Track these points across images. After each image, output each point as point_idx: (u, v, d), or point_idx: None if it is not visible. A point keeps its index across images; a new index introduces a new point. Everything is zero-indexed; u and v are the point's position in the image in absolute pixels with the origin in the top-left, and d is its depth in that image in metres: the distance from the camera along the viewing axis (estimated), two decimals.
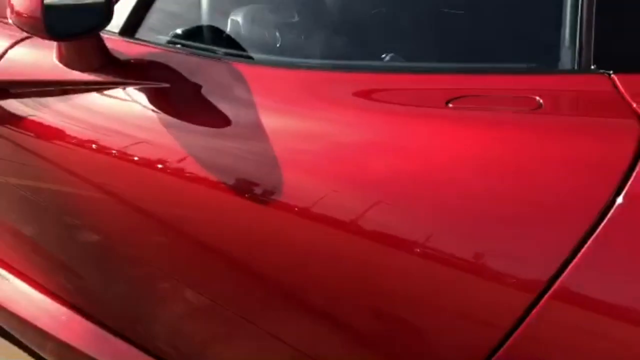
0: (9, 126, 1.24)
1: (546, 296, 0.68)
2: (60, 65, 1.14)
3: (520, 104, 0.79)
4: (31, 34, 1.02)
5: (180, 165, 0.98)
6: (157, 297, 1.17)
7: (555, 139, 0.74)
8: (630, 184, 0.66)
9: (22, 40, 1.27)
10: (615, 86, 0.75)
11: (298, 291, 0.90)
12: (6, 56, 1.27)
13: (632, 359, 0.66)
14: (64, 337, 1.27)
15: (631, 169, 0.66)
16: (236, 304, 1.00)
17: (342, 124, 0.87)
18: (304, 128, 0.91)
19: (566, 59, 0.81)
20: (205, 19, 1.23)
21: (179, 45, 1.17)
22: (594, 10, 0.79)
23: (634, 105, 0.72)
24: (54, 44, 1.14)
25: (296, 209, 0.84)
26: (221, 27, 1.20)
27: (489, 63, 0.91)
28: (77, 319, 1.28)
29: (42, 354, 1.39)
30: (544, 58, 0.87)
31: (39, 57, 1.22)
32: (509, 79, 0.85)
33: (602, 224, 0.66)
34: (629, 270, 0.67)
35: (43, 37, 1.00)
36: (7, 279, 1.41)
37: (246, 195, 0.90)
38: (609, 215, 0.66)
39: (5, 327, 1.46)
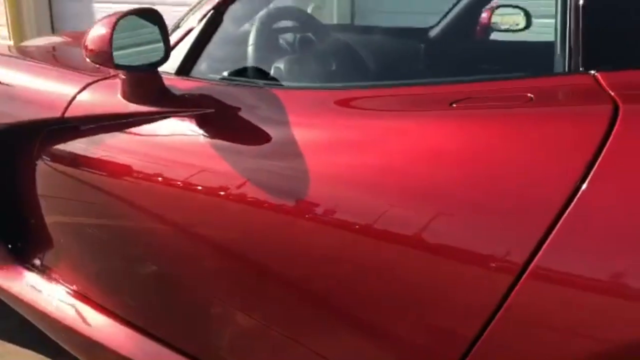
0: (78, 166, 1.42)
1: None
2: (124, 100, 1.33)
3: (515, 101, 0.92)
4: (101, 64, 1.21)
5: (237, 189, 1.11)
6: (212, 312, 1.29)
7: (538, 124, 0.86)
8: (603, 156, 0.77)
9: (88, 85, 1.47)
10: (597, 81, 0.88)
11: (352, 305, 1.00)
12: (77, 98, 1.46)
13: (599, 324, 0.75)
14: (124, 351, 1.39)
15: (603, 142, 0.78)
16: (284, 322, 1.11)
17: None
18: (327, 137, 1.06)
19: (559, 64, 0.95)
20: (243, 59, 1.42)
21: (224, 80, 1.35)
22: (580, 25, 0.93)
23: (612, 93, 0.84)
24: (117, 86, 1.33)
25: (355, 225, 0.95)
26: (258, 64, 1.38)
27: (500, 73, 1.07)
28: (135, 334, 1.40)
29: None
30: (541, 65, 1.01)
31: (104, 97, 1.42)
32: (514, 82, 1.00)
33: (579, 194, 0.77)
34: (600, 244, 0.76)
35: (109, 67, 1.19)
36: (72, 303, 1.56)
37: (305, 215, 1.01)
38: (583, 187, 0.77)
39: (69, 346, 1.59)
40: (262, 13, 1.44)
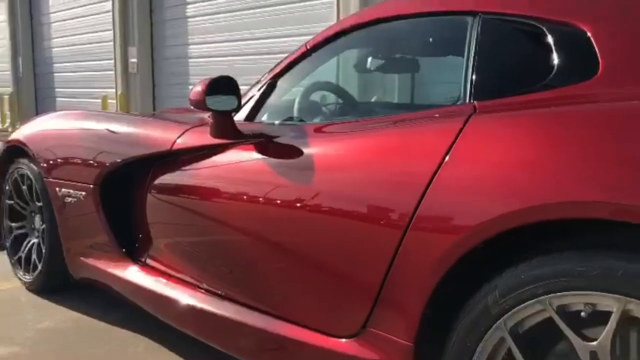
0: (178, 185, 2.11)
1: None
2: (211, 137, 2.01)
3: (420, 120, 1.53)
4: (197, 108, 1.90)
5: (275, 191, 1.74)
6: (254, 274, 1.88)
7: (423, 131, 1.45)
8: (451, 154, 1.34)
9: (187, 130, 2.18)
10: (474, 107, 1.45)
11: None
12: (179, 138, 2.17)
13: None
14: (202, 307, 1.99)
15: (451, 144, 1.35)
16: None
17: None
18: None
19: (460, 96, 1.53)
20: (288, 111, 2.08)
21: (272, 123, 2.01)
22: (472, 71, 1.52)
23: (476, 113, 1.41)
24: (204, 130, 2.02)
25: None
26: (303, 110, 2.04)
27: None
28: (208, 296, 2.01)
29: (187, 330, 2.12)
30: (449, 100, 1.61)
31: (196, 136, 2.11)
32: (434, 111, 1.59)
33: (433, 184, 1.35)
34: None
35: (203, 109, 1.88)
36: (163, 281, 2.20)
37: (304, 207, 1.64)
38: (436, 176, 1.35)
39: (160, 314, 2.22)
40: (304, 82, 2.11)
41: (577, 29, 1.39)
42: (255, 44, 8.19)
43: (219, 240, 1.98)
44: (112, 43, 10.68)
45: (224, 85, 1.90)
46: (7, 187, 3.05)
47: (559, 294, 1.13)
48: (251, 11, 8.28)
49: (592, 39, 1.36)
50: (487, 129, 1.35)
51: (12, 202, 3.04)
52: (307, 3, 7.61)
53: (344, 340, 1.55)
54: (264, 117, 2.10)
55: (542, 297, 1.15)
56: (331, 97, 2.10)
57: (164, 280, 2.21)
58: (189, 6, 9.36)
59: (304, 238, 1.64)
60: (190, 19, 9.38)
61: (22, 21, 13.63)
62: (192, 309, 2.03)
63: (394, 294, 1.41)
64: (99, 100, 10.90)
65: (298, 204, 1.64)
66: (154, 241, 2.31)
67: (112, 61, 10.72)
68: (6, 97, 13.55)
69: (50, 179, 2.67)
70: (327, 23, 6.74)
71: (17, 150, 2.95)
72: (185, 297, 2.08)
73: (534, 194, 1.16)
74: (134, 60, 10.33)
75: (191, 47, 9.41)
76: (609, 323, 1.08)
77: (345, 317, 1.54)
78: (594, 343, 1.10)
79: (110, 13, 10.63)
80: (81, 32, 11.86)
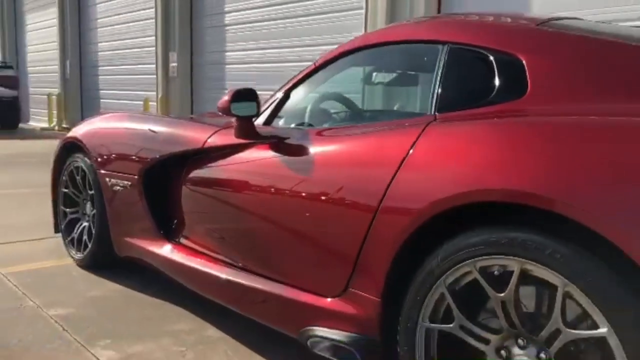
0: (208, 177, 2.55)
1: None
2: (235, 138, 2.44)
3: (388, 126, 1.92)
4: (224, 114, 2.34)
5: (292, 187, 2.16)
6: (265, 248, 2.31)
7: (392, 136, 1.85)
8: (410, 153, 1.74)
9: (217, 131, 2.62)
10: (434, 116, 1.84)
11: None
12: (210, 137, 2.61)
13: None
14: (223, 276, 2.42)
15: (412, 145, 1.75)
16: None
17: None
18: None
19: (428, 109, 1.92)
20: (300, 117, 2.50)
21: (294, 126, 2.44)
22: (437, 88, 1.92)
23: (437, 123, 1.81)
24: (231, 131, 2.45)
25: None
26: (310, 116, 2.46)
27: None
28: (227, 267, 2.44)
29: (214, 297, 2.55)
30: (419, 111, 1.99)
31: (224, 136, 2.55)
32: (406, 120, 1.98)
33: (395, 176, 1.74)
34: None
35: (229, 116, 2.31)
36: (193, 256, 2.64)
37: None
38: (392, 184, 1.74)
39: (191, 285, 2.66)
40: (314, 95, 2.53)
41: (515, 57, 1.78)
42: (287, 52, 8.66)
43: (238, 221, 2.41)
44: (154, 48, 11.30)
45: (245, 95, 2.33)
46: (63, 178, 3.55)
47: (480, 258, 1.52)
48: (284, 21, 8.76)
49: (525, 66, 1.74)
50: (437, 135, 1.74)
51: (67, 190, 3.53)
52: (338, 14, 8.05)
53: (331, 299, 1.96)
54: (280, 122, 2.52)
55: (469, 260, 1.54)
56: (334, 107, 2.51)
57: (194, 256, 2.65)
58: (227, 15, 9.89)
59: (302, 219, 2.05)
60: (227, 27, 9.90)
61: (71, 26, 14.39)
62: (215, 279, 2.47)
63: (367, 261, 1.81)
64: (141, 102, 11.54)
65: (298, 192, 2.07)
66: (187, 224, 2.76)
67: (154, 65, 11.34)
68: (54, 97, 14.30)
69: (101, 171, 3.15)
70: (356, 33, 7.20)
71: (73, 146, 3.45)
72: (210, 269, 2.51)
73: (464, 183, 1.55)
74: (174, 64, 10.92)
75: (228, 53, 9.94)
76: (512, 279, 1.47)
77: (333, 281, 1.94)
78: (503, 294, 1.49)
79: (154, 20, 11.25)
80: (126, 37, 12.53)
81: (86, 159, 3.31)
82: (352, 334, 1.87)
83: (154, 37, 11.33)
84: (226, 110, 2.29)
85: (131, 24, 12.30)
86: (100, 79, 13.78)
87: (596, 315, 1.32)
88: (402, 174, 1.73)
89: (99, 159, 3.17)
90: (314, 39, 8.32)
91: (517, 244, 1.44)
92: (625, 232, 1.27)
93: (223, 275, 2.42)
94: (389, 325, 1.77)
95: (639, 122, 1.44)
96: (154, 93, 11.34)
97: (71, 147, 3.48)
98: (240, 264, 2.41)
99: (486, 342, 1.57)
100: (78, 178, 3.42)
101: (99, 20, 13.64)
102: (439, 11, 6.89)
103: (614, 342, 1.29)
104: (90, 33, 14.07)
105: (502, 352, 1.55)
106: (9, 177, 6.80)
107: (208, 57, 10.49)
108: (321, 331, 1.96)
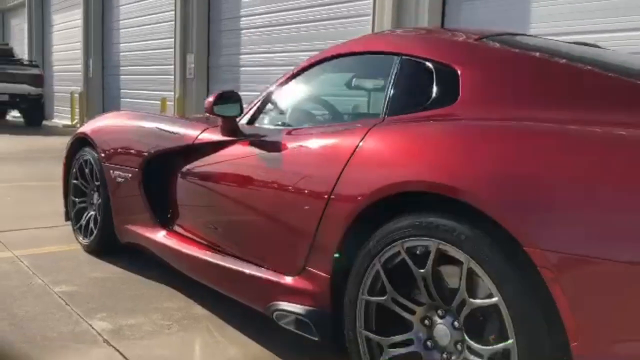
0: (197, 169, 2.84)
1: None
2: (220, 134, 2.73)
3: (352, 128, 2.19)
4: (209, 113, 2.63)
5: (283, 179, 2.43)
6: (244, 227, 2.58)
7: (345, 136, 2.12)
8: (358, 149, 2.01)
9: (206, 129, 2.91)
10: (383, 119, 2.11)
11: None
12: (200, 134, 2.90)
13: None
14: (208, 259, 2.70)
15: (359, 143, 2.01)
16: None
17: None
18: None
19: (380, 112, 2.19)
20: (280, 115, 2.77)
21: (265, 126, 2.72)
22: (388, 93, 2.18)
23: (358, 125, 2.07)
24: (218, 129, 2.74)
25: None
26: (282, 119, 2.73)
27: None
28: (212, 252, 2.72)
29: (199, 278, 2.84)
30: (373, 114, 2.26)
31: (212, 134, 2.84)
32: (362, 121, 2.25)
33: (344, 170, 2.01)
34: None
35: (212, 115, 2.60)
36: (183, 241, 2.93)
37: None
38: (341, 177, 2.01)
39: (178, 266, 2.95)
40: (290, 98, 2.80)
41: (452, 68, 2.04)
42: (298, 55, 8.95)
43: (217, 210, 2.71)
44: (172, 50, 11.68)
45: (228, 97, 2.62)
46: (73, 170, 3.87)
47: (406, 239, 1.78)
48: (296, 26, 9.06)
49: (459, 76, 2.00)
50: (378, 135, 2.01)
51: (77, 181, 3.86)
52: (346, 20, 8.33)
53: (293, 277, 2.23)
54: (263, 121, 2.80)
55: (398, 242, 1.80)
56: (306, 109, 2.78)
57: (183, 242, 2.94)
58: (242, 19, 10.22)
59: (270, 207, 2.34)
60: (242, 31, 10.23)
61: (94, 27, 14.86)
62: (199, 261, 2.75)
63: (320, 243, 2.08)
64: (159, 102, 11.93)
65: (267, 183, 2.35)
66: (178, 212, 3.06)
67: (172, 66, 11.71)
68: (76, 95, 14.77)
69: (106, 164, 3.46)
70: None
71: (83, 140, 3.77)
72: (195, 253, 2.80)
73: (391, 176, 1.82)
74: (192, 66, 11.29)
75: (242, 56, 10.26)
76: (430, 257, 1.73)
77: (294, 261, 2.21)
78: (423, 270, 1.75)
79: (173, 23, 11.63)
80: (146, 38, 12.93)
81: (94, 152, 3.62)
82: (308, 307, 2.14)
83: (172, 39, 11.70)
84: (210, 111, 2.58)
85: (151, 26, 12.70)
86: (121, 78, 14.22)
87: (491, 286, 1.57)
88: (349, 168, 1.99)
89: (105, 153, 3.49)
90: (325, 43, 8.60)
91: (433, 228, 1.70)
92: (513, 217, 1.52)
93: (205, 258, 2.71)
94: (338, 299, 2.04)
95: (536, 126, 1.69)
96: (172, 93, 11.71)
97: (81, 142, 3.80)
98: (219, 247, 2.70)
99: (412, 312, 1.83)
100: (86, 170, 3.74)
101: (121, 22, 14.08)
102: (443, 16, 7.14)
103: (503, 308, 1.55)
104: (113, 34, 14.52)
105: (426, 321, 1.82)
106: (29, 170, 7.19)
107: (223, 60, 10.83)
108: (284, 305, 2.24)
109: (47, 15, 18.35)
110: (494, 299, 1.57)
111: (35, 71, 14.33)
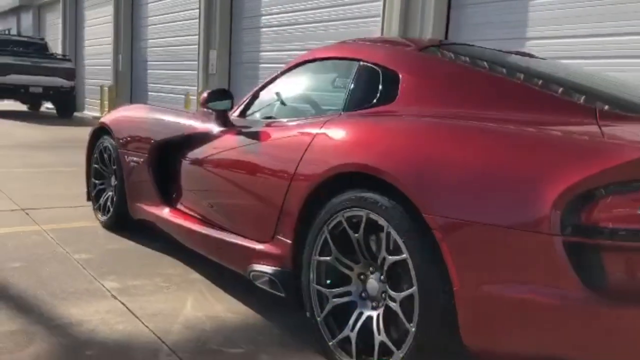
0: (199, 158, 3.32)
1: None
2: (214, 125, 3.20)
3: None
4: (203, 107, 3.10)
5: (259, 162, 2.89)
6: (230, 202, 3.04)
7: (304, 130, 2.56)
8: (314, 137, 2.45)
9: (205, 121, 3.38)
10: (340, 114, 2.55)
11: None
12: (201, 125, 3.37)
13: None
14: (203, 232, 3.18)
15: (317, 133, 2.46)
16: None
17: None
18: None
19: (341, 108, 2.63)
20: (265, 109, 3.23)
21: (256, 119, 3.18)
22: (347, 92, 2.62)
23: (341, 118, 2.51)
24: (212, 121, 3.21)
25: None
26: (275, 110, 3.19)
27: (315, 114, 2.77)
28: (206, 227, 3.18)
29: (194, 246, 3.32)
30: (335, 109, 2.70)
31: (208, 125, 3.31)
32: (325, 116, 2.68)
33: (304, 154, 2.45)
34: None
35: (207, 108, 3.08)
36: (185, 217, 3.41)
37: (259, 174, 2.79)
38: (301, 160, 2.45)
39: (179, 237, 3.43)
40: (274, 94, 3.25)
41: (395, 72, 2.47)
42: None
43: (208, 188, 3.18)
44: (196, 46, 12.23)
45: (221, 94, 3.08)
46: (95, 155, 4.39)
47: (346, 210, 2.22)
48: (311, 25, 9.51)
49: (399, 77, 2.43)
50: (330, 126, 2.45)
51: (97, 166, 4.37)
52: (358, 20, 8.75)
53: (265, 244, 2.68)
54: (252, 114, 3.27)
55: (340, 212, 2.24)
56: (286, 104, 3.23)
57: (182, 217, 3.43)
58: (262, 17, 10.71)
59: (249, 185, 2.80)
60: (262, 29, 10.72)
61: (124, 22, 15.50)
62: (194, 233, 3.23)
63: (285, 215, 2.53)
64: (183, 96, 12.50)
65: (247, 165, 2.82)
66: (180, 192, 3.54)
67: (196, 62, 12.27)
68: (105, 88, 15.44)
69: (122, 150, 3.96)
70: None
71: (103, 129, 4.28)
72: (191, 225, 3.28)
73: (334, 159, 2.26)
74: (214, 62, 11.83)
75: (262, 53, 10.75)
76: (362, 224, 2.17)
77: (267, 230, 2.67)
78: (357, 235, 2.19)
79: (197, 20, 12.17)
80: (172, 35, 13.51)
81: (112, 140, 4.13)
82: (276, 268, 2.60)
83: (196, 36, 12.25)
84: (204, 105, 3.06)
85: (177, 23, 13.27)
86: (148, 73, 14.83)
87: (402, 245, 2.00)
88: (306, 153, 2.44)
89: (120, 141, 3.99)
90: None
91: (364, 201, 2.14)
92: (416, 191, 1.95)
93: (200, 230, 3.19)
94: (298, 260, 2.49)
95: (441, 120, 2.12)
96: (195, 88, 12.26)
97: (101, 131, 4.31)
98: (210, 221, 3.17)
99: (351, 269, 2.28)
100: (105, 156, 4.25)
101: (149, 19, 14.69)
102: (448, 19, 7.51)
103: (409, 263, 1.98)
104: (141, 30, 15.14)
105: (362, 276, 2.26)
106: (58, 157, 7.79)
107: (244, 56, 11.34)
108: (258, 267, 2.70)
109: (80, 11, 19.09)
110: (403, 255, 2.00)
111: (67, 65, 15.04)
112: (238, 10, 11.44)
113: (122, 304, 2.88)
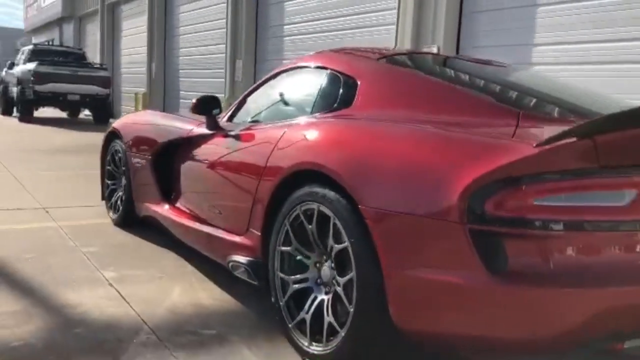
0: (191, 159, 3.60)
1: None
2: (205, 128, 3.48)
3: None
4: (193, 112, 3.38)
5: (237, 162, 3.16)
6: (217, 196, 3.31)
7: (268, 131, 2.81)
8: (279, 140, 2.69)
9: (198, 125, 3.66)
10: (314, 116, 2.79)
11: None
12: (194, 129, 3.66)
13: None
14: (201, 228, 3.45)
15: (281, 135, 2.71)
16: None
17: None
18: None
19: (307, 112, 2.87)
20: (250, 113, 3.49)
21: (241, 122, 3.44)
22: (315, 98, 2.86)
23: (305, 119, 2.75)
24: (204, 124, 3.50)
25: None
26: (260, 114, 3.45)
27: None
28: (197, 223, 3.46)
29: (188, 241, 3.60)
30: (305, 113, 2.94)
31: (202, 129, 3.59)
32: (297, 118, 2.93)
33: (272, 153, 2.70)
34: None
35: (197, 114, 3.36)
36: (180, 213, 3.69)
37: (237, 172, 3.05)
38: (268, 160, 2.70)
39: (174, 232, 3.72)
40: (258, 102, 3.51)
41: (354, 80, 2.70)
42: None
43: (198, 187, 3.46)
44: (224, 55, 12.64)
45: (209, 100, 3.36)
46: (107, 158, 4.73)
47: (302, 204, 2.45)
48: (331, 33, 9.78)
49: (358, 84, 2.66)
50: (294, 129, 2.70)
51: (110, 167, 4.71)
52: (374, 28, 8.98)
53: (241, 236, 2.94)
54: (237, 118, 3.53)
55: (298, 205, 2.48)
56: (267, 108, 3.49)
57: (177, 213, 3.71)
58: (285, 27, 11.03)
59: (230, 183, 3.07)
60: (285, 38, 11.05)
61: (157, 32, 16.06)
62: (186, 227, 3.52)
63: (256, 209, 2.78)
64: None
65: (228, 164, 3.09)
66: (177, 190, 3.83)
67: (223, 70, 12.68)
68: (140, 96, 16.01)
69: (129, 152, 4.28)
70: (389, 45, 8.13)
71: (114, 134, 4.61)
72: (184, 221, 3.56)
73: (293, 159, 2.50)
74: (240, 70, 12.20)
75: (285, 61, 11.06)
76: (314, 216, 2.40)
77: (242, 224, 2.92)
78: (311, 226, 2.43)
79: (224, 30, 12.58)
80: (201, 44, 13.97)
81: (121, 143, 4.46)
82: (249, 259, 2.84)
83: (224, 45, 12.65)
84: (194, 111, 3.34)
85: (206, 32, 13.72)
86: (180, 80, 15.33)
87: (344, 234, 2.23)
88: (274, 152, 2.70)
89: (128, 143, 4.31)
90: None
91: (315, 195, 2.37)
92: (353, 186, 2.18)
93: (190, 225, 3.47)
94: (267, 251, 2.73)
95: (381, 122, 2.35)
96: (222, 95, 12.65)
97: (114, 135, 4.65)
98: (199, 217, 3.45)
99: (308, 258, 2.51)
100: (116, 158, 4.58)
101: (181, 28, 15.20)
102: (459, 25, 7.67)
103: (350, 250, 2.20)
104: (174, 39, 15.66)
105: (317, 264, 2.49)
106: (87, 161, 8.20)
107: (269, 64, 11.66)
108: (235, 258, 2.95)
109: (117, 21, 19.81)
110: (345, 244, 2.22)
111: (103, 73, 15.65)
112: (263, 19, 11.80)
113: (117, 290, 3.17)
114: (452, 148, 2.03)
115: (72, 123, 15.70)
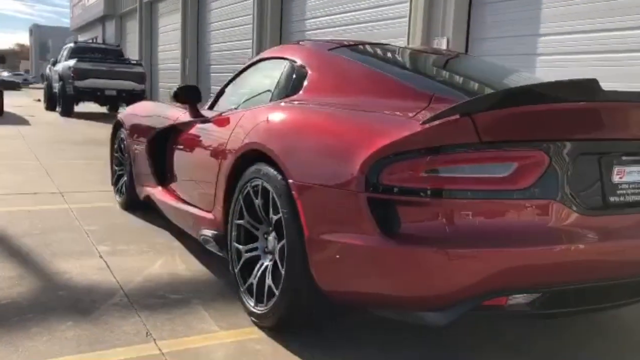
0: (176, 144, 3.93)
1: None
2: (189, 115, 3.80)
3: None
4: (174, 101, 3.70)
5: (207, 145, 3.47)
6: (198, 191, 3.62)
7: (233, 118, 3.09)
8: (237, 123, 2.98)
9: (184, 113, 3.99)
10: (266, 103, 3.07)
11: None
12: (180, 117, 3.99)
13: None
14: (181, 207, 3.78)
15: (239, 118, 2.99)
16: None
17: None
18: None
19: (270, 98, 3.14)
20: (227, 101, 3.79)
21: (218, 110, 3.75)
22: (275, 86, 3.13)
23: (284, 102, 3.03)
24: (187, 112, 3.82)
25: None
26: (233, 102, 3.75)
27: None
28: (184, 205, 3.78)
29: (177, 221, 3.93)
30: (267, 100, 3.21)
31: (186, 116, 3.91)
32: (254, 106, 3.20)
33: (231, 135, 2.99)
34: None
35: (178, 102, 3.68)
36: (170, 196, 4.02)
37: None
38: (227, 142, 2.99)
39: (169, 215, 4.05)
40: (232, 95, 3.80)
41: (306, 69, 2.96)
42: None
43: (180, 169, 3.77)
44: (250, 50, 13.01)
45: (189, 89, 3.67)
46: (115, 145, 5.11)
47: (251, 180, 2.73)
48: (349, 27, 10.02)
49: (307, 73, 2.92)
50: (251, 113, 2.97)
51: (117, 154, 5.09)
52: (389, 22, 9.17)
53: (209, 212, 3.24)
54: (216, 107, 3.84)
55: (248, 182, 2.76)
56: (237, 97, 3.78)
57: (167, 194, 4.05)
58: (307, 21, 11.32)
59: (202, 165, 3.37)
60: (307, 32, 11.34)
61: (190, 29, 16.57)
62: (170, 206, 3.84)
63: (219, 187, 3.08)
64: None
65: (201, 148, 3.39)
66: (168, 173, 4.17)
67: None
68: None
69: (130, 140, 4.64)
70: (402, 38, 8.33)
71: (120, 123, 4.99)
72: (169, 201, 3.89)
73: (244, 140, 2.78)
74: None
75: None
76: (259, 191, 2.67)
77: (210, 201, 3.22)
78: (258, 200, 2.70)
79: (251, 25, 12.96)
80: (230, 40, 14.38)
81: (124, 131, 4.82)
82: (214, 231, 3.15)
83: (250, 40, 13.03)
84: (173, 98, 3.66)
85: (234, 28, 14.13)
86: (211, 76, 15.81)
87: (279, 205, 2.50)
88: (232, 135, 2.99)
89: (129, 131, 4.67)
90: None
91: (259, 172, 2.65)
92: (284, 162, 2.44)
93: (173, 204, 3.80)
94: (226, 224, 3.03)
95: (315, 106, 2.60)
96: None
97: (119, 124, 5.03)
98: (180, 196, 3.78)
99: (257, 229, 2.79)
100: (122, 145, 4.95)
101: (212, 24, 15.66)
102: (469, 16, 7.80)
103: (282, 220, 2.47)
104: (206, 36, 16.15)
105: (265, 235, 2.77)
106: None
107: None
108: (204, 232, 3.26)
109: (155, 19, 20.46)
110: (280, 215, 2.50)
111: (139, 69, 16.23)
112: (287, 14, 12.11)
113: (105, 262, 3.52)
114: (359, 128, 2.28)
115: (110, 117, 16.33)
